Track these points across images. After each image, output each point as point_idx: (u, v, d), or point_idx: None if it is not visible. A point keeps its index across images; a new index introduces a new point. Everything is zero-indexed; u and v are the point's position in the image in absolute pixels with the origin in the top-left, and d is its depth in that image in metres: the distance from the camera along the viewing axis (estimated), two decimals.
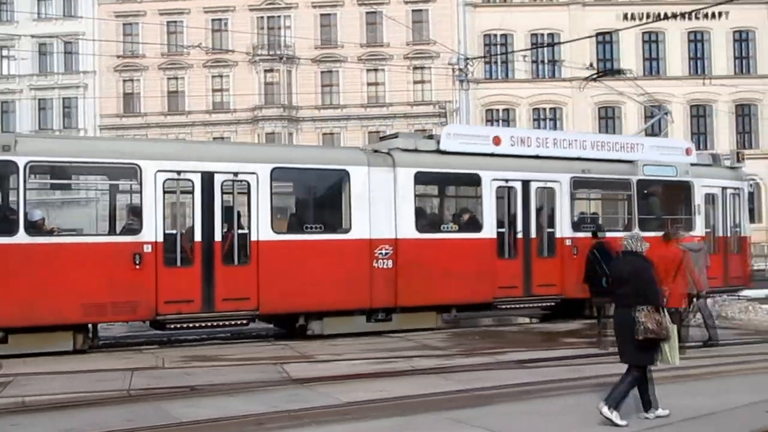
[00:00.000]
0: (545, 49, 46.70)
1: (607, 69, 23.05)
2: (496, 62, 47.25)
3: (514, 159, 16.16)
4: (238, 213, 13.69)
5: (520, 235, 15.98)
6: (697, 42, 47.41)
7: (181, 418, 8.14)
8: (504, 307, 16.05)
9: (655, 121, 20.99)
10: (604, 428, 7.45)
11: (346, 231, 14.45)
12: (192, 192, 13.28)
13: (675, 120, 46.48)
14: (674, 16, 44.39)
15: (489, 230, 15.48)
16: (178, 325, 13.17)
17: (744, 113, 47.15)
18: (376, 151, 15.40)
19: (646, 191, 17.84)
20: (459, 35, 46.33)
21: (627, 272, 7.90)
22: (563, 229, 16.33)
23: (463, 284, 14.80)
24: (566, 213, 16.51)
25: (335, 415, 8.29)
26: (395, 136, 16.69)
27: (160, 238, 12.86)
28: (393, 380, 10.33)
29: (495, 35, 47.16)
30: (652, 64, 47.37)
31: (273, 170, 13.79)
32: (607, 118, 47.23)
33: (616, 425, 7.48)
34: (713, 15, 46.43)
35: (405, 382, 10.17)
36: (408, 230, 14.80)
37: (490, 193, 15.72)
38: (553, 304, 16.41)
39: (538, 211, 16.34)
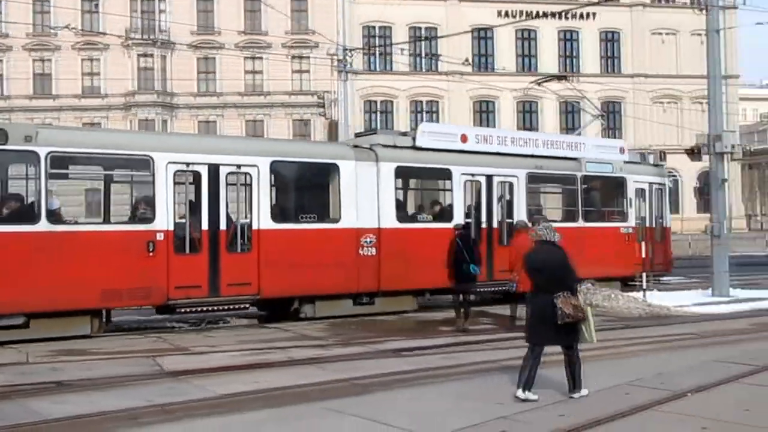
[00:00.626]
0: (424, 42, 47.37)
1: (565, 73, 24.14)
2: (375, 54, 47.54)
3: (479, 155, 17.41)
4: (242, 203, 14.49)
5: (484, 225, 17.22)
6: (567, 41, 49.20)
7: (49, 415, 7.79)
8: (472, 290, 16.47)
9: (589, 123, 22.47)
10: (475, 412, 7.63)
11: (336, 221, 15.44)
12: (199, 183, 13.97)
13: (546, 115, 48.29)
14: (546, 15, 45.97)
15: (458, 220, 16.21)
16: (187, 310, 13.85)
17: (610, 110, 49.33)
18: (357, 146, 16.35)
19: (588, 186, 19.46)
20: (339, 26, 46.35)
21: (543, 260, 8.34)
22: (520, 219, 17.10)
23: (437, 270, 15.05)
24: (523, 204, 17.85)
25: (210, 407, 8.15)
26: (373, 132, 18.24)
27: (171, 227, 13.51)
28: (269, 371, 10.24)
29: (375, 27, 47.46)
30: (526, 61, 48.80)
31: (272, 163, 14.66)
32: (482, 112, 48.38)
33: (578, 395, 8.19)
34: (583, 16, 48.34)
35: (281, 373, 10.10)
36: (389, 220, 15.92)
37: (460, 186, 16.98)
38: (511, 290, 16.35)
39: (499, 202, 17.57)
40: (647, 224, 20.58)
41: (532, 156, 18.39)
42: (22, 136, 12.48)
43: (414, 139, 16.83)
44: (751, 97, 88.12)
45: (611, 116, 49.38)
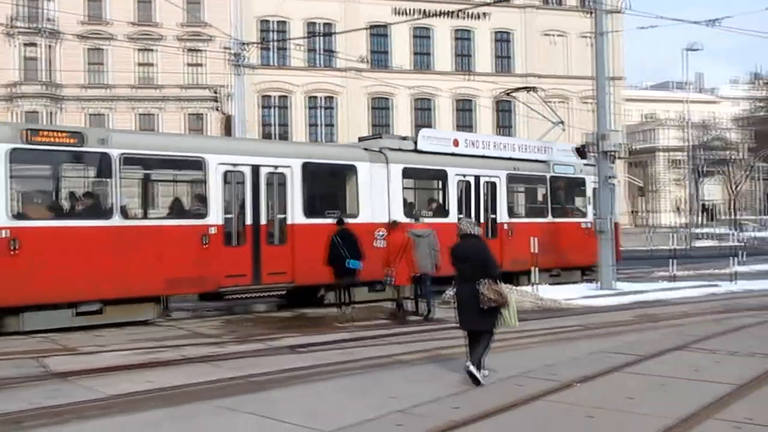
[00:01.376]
0: (320, 38, 47.25)
1: (520, 88, 25.14)
2: (271, 48, 47.10)
3: (469, 158, 19.38)
4: (277, 200, 16.11)
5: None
6: (462, 40, 50.04)
7: None
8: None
9: (550, 131, 23.71)
10: (370, 407, 7.67)
11: (355, 216, 17.02)
12: (243, 182, 15.62)
13: (441, 112, 49.01)
14: (442, 14, 46.63)
15: (453, 216, 18.18)
16: (234, 296, 15.61)
17: (503, 109, 50.49)
18: (368, 150, 18.13)
19: (555, 185, 21.91)
20: (234, 19, 45.68)
21: (467, 252, 8.96)
22: (502, 215, 19.81)
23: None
24: (504, 202, 20.08)
25: (99, 409, 7.90)
26: (378, 136, 19.97)
27: (221, 221, 15.13)
28: (161, 370, 10.02)
29: (271, 21, 47.01)
30: (421, 59, 49.36)
31: (303, 164, 16.42)
32: (378, 109, 48.68)
33: (480, 383, 8.58)
34: (477, 15, 49.26)
35: (174, 372, 9.89)
36: (398, 215, 17.51)
37: (454, 185, 19.08)
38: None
39: (485, 200, 19.69)
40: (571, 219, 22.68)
41: (511, 159, 20.52)
42: (98, 138, 13.93)
43: (415, 143, 18.87)
44: (635, 99, 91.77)
45: (504, 114, 50.51)
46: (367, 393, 8.51)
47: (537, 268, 18.79)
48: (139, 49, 46.56)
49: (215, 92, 45.68)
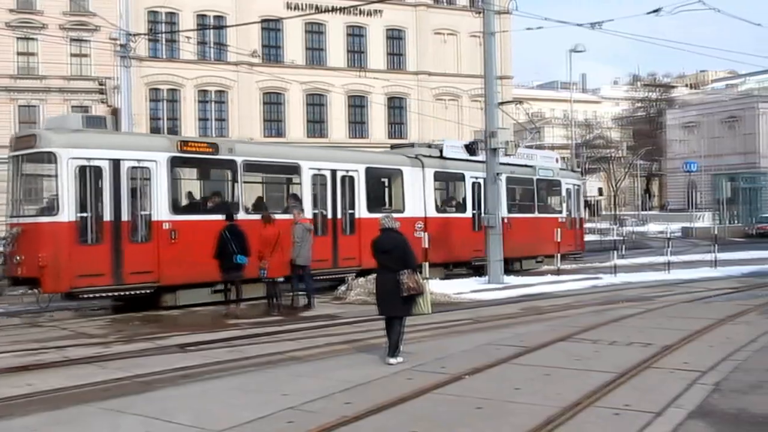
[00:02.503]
0: (211, 31, 46.40)
1: (515, 99, 27.98)
2: (161, 40, 45.91)
3: (479, 163, 22.05)
4: (347, 198, 19.66)
5: (483, 214, 22.36)
6: (355, 36, 50.13)
7: None
8: (476, 264, 22.99)
9: (531, 138, 26.99)
10: (262, 404, 7.61)
11: (401, 211, 20.89)
12: (325, 183, 19.28)
13: (334, 108, 49.01)
14: (335, 9, 46.58)
15: (470, 212, 23.41)
16: (323, 277, 18.89)
17: (395, 105, 50.91)
18: (408, 156, 22.16)
19: (540, 186, 26.64)
20: (121, 9, 44.26)
21: (388, 244, 9.82)
22: (503, 210, 22.90)
23: (456, 248, 22.43)
24: (504, 199, 23.72)
25: None
26: (411, 145, 24.44)
27: (311, 216, 18.47)
28: (44, 373, 9.65)
29: (160, 12, 45.80)
30: (314, 54, 49.17)
31: (366, 169, 20.32)
32: (271, 104, 48.21)
33: (395, 361, 9.58)
34: (370, 12, 49.45)
35: (57, 374, 9.55)
36: (431, 211, 22.06)
37: (470, 186, 23.38)
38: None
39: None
40: (573, 215, 28.43)
41: (509, 164, 23.57)
42: (227, 148, 17.56)
43: (441, 151, 23.05)
44: (523, 97, 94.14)
45: (396, 111, 50.94)
46: (258, 391, 8.44)
47: (428, 263, 19.57)
48: (19, 38, 44.48)
49: (101, 84, 44.07)
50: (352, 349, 11.30)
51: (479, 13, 22.52)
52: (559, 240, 24.54)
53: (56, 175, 14.87)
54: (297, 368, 9.83)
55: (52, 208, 15.14)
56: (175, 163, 16.31)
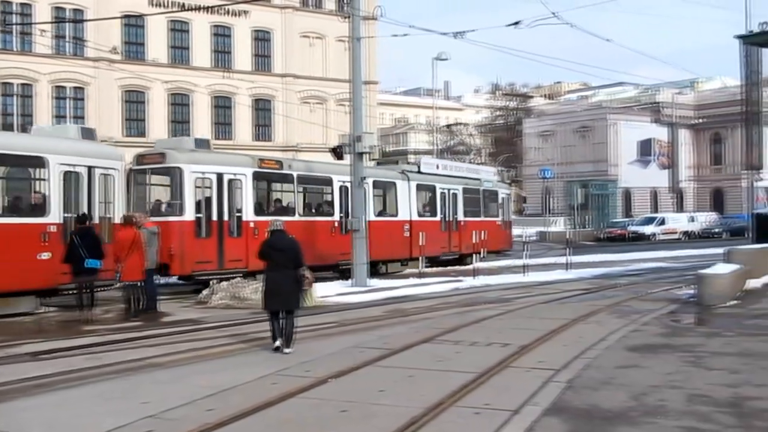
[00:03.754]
0: (69, 25, 44.44)
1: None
2: (13, 32, 43.54)
3: (445, 177, 29.75)
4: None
5: (449, 219, 29.44)
6: (220, 36, 49.29)
7: None
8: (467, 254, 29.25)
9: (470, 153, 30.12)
10: (121, 413, 7.38)
11: (394, 215, 26.76)
12: (365, 189, 22.62)
13: (199, 109, 48.04)
14: (200, 8, 45.68)
15: (440, 216, 29.00)
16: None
17: (261, 108, 50.43)
18: (399, 171, 27.64)
19: (484, 196, 32.53)
20: None
21: (281, 245, 10.97)
22: (459, 215, 30.01)
23: (432, 245, 27.05)
24: (461, 207, 30.26)
25: None
26: (396, 162, 31.92)
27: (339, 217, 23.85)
28: None
29: (13, 3, 43.46)
30: (178, 53, 48.02)
31: (374, 181, 25.43)
32: (132, 102, 46.73)
33: (289, 351, 10.78)
34: (236, 13, 48.77)
35: None
36: (415, 215, 27.47)
37: (439, 196, 29.14)
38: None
39: (452, 205, 29.79)
40: (506, 219, 34.70)
41: (464, 177, 31.37)
42: (288, 164, 22.94)
43: (419, 166, 29.15)
44: (389, 103, 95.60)
45: (262, 113, 50.45)
46: (116, 399, 8.18)
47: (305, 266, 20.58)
48: None
49: None
50: (216, 354, 11.13)
51: (346, 18, 22.69)
52: (484, 239, 28.85)
53: (180, 185, 19.43)
54: (158, 375, 9.59)
55: (177, 209, 19.32)
56: (255, 176, 21.08)
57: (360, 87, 21.61)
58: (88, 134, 18.29)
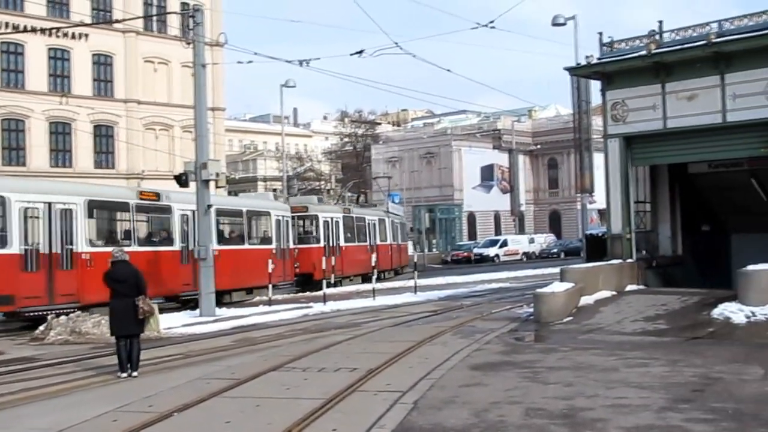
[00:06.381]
0: None
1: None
2: None
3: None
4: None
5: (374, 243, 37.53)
6: (58, 59, 47.25)
7: None
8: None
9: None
10: None
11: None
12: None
13: (35, 135, 45.73)
14: (35, 30, 43.66)
15: (321, 243, 32.56)
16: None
17: (102, 134, 48.60)
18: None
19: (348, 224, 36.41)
20: None
21: (123, 274, 11.55)
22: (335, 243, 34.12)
23: (360, 264, 33.52)
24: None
25: None
26: (287, 198, 38.27)
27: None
28: None
29: None
30: (12, 76, 45.64)
31: (342, 217, 34.21)
32: None
33: (136, 374, 11.49)
34: (75, 36, 46.96)
35: None
36: (342, 242, 33.87)
37: (321, 225, 33.24)
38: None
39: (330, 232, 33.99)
40: (397, 242, 42.49)
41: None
42: (306, 207, 32.76)
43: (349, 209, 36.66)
44: (237, 129, 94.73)
45: (104, 140, 48.63)
46: None
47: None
48: None
49: None
50: (53, 392, 10.58)
51: (189, 43, 22.36)
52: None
53: (317, 225, 32.41)
54: (30, 409, 9.02)
55: (314, 240, 32.03)
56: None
57: (204, 113, 21.30)
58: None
